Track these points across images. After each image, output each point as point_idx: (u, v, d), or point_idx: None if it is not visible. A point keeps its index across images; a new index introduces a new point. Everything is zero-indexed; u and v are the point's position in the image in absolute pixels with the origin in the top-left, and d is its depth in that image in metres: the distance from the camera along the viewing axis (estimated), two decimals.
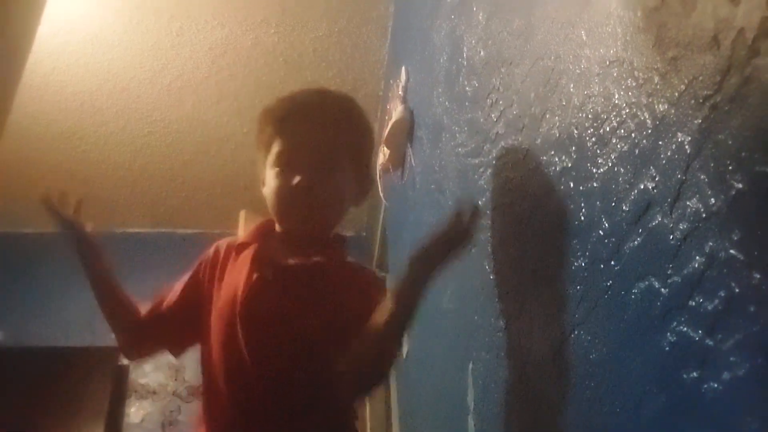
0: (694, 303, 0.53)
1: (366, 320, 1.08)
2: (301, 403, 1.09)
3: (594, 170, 0.76)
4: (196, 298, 1.22)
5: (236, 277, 1.17)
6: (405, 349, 2.28)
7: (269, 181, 1.17)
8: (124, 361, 3.97)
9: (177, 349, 1.27)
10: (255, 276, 1.14)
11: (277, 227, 1.23)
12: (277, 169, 1.15)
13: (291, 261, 1.17)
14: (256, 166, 1.25)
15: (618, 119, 0.70)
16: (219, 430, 1.10)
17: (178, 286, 1.27)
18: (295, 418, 1.08)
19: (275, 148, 1.16)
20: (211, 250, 1.28)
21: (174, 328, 1.22)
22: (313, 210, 1.14)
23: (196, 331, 1.19)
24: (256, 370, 1.08)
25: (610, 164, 0.72)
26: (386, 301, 1.02)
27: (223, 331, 1.12)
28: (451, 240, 1.02)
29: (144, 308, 1.26)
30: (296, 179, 1.12)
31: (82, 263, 1.21)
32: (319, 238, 1.20)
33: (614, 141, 0.71)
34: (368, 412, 3.58)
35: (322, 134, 1.16)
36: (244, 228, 3.51)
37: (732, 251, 0.49)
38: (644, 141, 0.64)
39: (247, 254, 1.19)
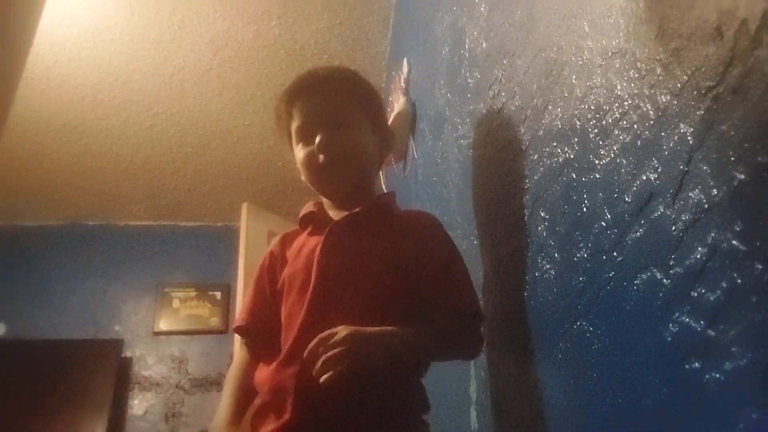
0: (696, 294, 0.54)
1: (433, 256, 1.14)
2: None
3: (596, 162, 0.76)
4: (273, 293, 1.22)
5: (304, 250, 1.19)
6: None
7: (298, 156, 1.24)
8: (127, 353, 3.98)
9: None
10: (324, 236, 1.17)
11: (324, 203, 1.28)
12: (301, 142, 1.23)
13: (347, 215, 1.20)
14: (290, 155, 1.31)
15: (620, 110, 0.70)
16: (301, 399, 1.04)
17: (252, 295, 1.27)
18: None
19: (294, 126, 1.24)
20: (270, 249, 1.30)
21: (272, 331, 1.19)
22: (341, 163, 1.20)
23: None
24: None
25: (612, 155, 0.72)
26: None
27: (301, 297, 1.12)
28: None
29: (242, 348, 1.24)
30: (317, 140, 1.18)
31: None
32: (364, 196, 1.24)
33: (617, 132, 0.71)
34: None
35: (332, 98, 1.23)
36: (247, 221, 3.52)
37: (734, 242, 0.49)
38: (647, 132, 0.64)
39: (308, 229, 1.24)
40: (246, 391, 1.16)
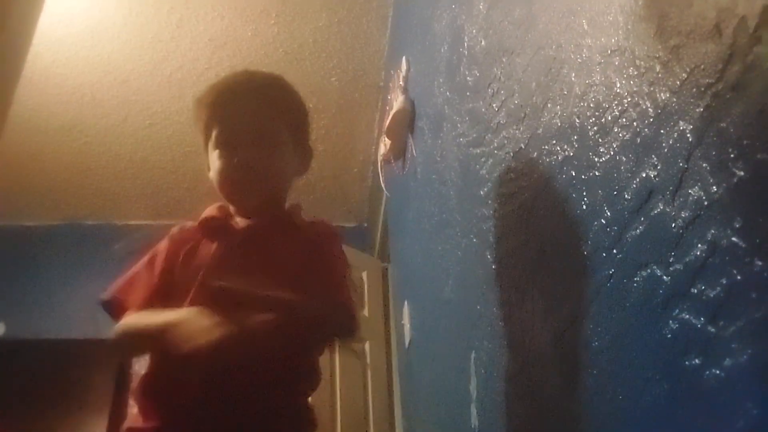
0: (696, 290, 0.54)
1: (319, 269, 1.17)
2: (264, 371, 1.08)
3: (596, 159, 0.76)
4: (167, 283, 1.20)
5: (201, 253, 1.19)
6: (408, 339, 2.29)
7: (213, 163, 1.22)
8: None
9: None
10: (221, 243, 1.19)
11: (231, 210, 1.27)
12: (218, 150, 1.20)
13: (249, 224, 1.22)
14: (202, 153, 1.28)
15: (620, 108, 0.70)
16: (179, 408, 1.10)
17: (137, 274, 1.24)
18: (257, 386, 1.08)
19: (214, 132, 1.21)
20: (170, 234, 1.28)
21: None
22: (255, 184, 1.19)
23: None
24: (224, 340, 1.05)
25: (611, 153, 0.72)
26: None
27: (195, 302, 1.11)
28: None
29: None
30: (236, 158, 1.17)
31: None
32: (273, 212, 1.24)
33: (616, 130, 0.71)
34: (371, 401, 3.59)
35: (255, 112, 1.21)
36: None
37: (734, 239, 0.49)
38: (646, 129, 0.64)
39: (209, 230, 1.23)
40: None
